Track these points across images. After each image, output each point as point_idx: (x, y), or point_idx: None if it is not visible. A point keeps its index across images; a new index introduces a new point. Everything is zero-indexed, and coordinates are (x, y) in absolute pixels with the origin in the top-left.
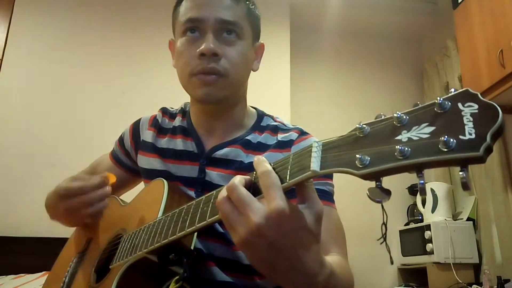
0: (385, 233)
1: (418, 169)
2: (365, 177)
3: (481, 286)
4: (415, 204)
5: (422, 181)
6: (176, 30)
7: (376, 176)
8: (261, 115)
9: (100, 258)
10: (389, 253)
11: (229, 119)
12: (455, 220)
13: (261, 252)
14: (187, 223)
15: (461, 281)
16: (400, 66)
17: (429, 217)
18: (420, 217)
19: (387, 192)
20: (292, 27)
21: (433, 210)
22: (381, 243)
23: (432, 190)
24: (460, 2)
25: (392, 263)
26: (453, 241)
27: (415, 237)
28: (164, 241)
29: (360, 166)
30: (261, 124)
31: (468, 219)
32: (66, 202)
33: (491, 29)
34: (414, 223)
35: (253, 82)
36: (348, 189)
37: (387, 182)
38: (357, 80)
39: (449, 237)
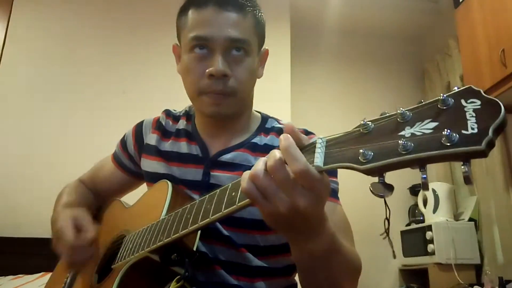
0: (388, 228)
1: (421, 164)
2: (368, 172)
3: (482, 287)
4: (416, 205)
5: (425, 176)
6: (182, 42)
7: (379, 171)
8: (265, 118)
9: (103, 258)
10: (392, 247)
11: (235, 126)
12: (456, 221)
13: (289, 222)
14: (190, 221)
15: (462, 282)
16: (401, 65)
17: (430, 218)
18: (421, 218)
19: (390, 188)
20: (292, 27)
21: (434, 211)
22: (384, 238)
23: (434, 191)
24: (462, 1)
25: (394, 257)
26: (455, 242)
27: (416, 238)
28: (167, 239)
29: (363, 161)
30: (266, 126)
31: (470, 219)
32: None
33: (492, 28)
34: (416, 224)
35: None
36: (350, 186)
37: (388, 182)
38: (358, 80)
39: (451, 237)
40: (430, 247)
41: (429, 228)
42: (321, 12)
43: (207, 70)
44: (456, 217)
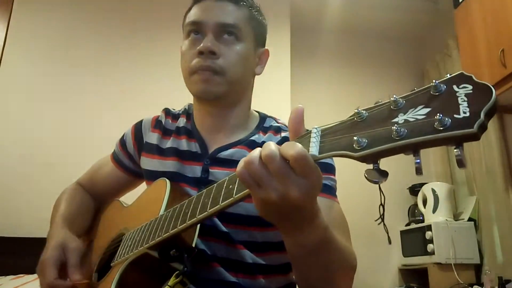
0: (383, 214)
1: (414, 149)
2: (362, 159)
3: (482, 287)
4: (416, 205)
5: (418, 160)
6: (183, 35)
7: (373, 158)
8: (263, 117)
9: (102, 257)
10: (387, 233)
11: (232, 119)
12: (456, 221)
13: (280, 211)
14: (188, 215)
15: (462, 282)
16: (401, 66)
17: (430, 218)
18: (421, 218)
19: (384, 174)
20: (292, 27)
21: (434, 211)
22: (379, 224)
23: (433, 190)
24: (461, 1)
25: (390, 242)
26: (454, 242)
27: (416, 238)
28: (166, 235)
29: (358, 148)
30: (264, 125)
31: (469, 219)
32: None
33: (492, 28)
34: (415, 224)
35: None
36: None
37: (388, 182)
38: (358, 80)
39: (450, 237)
40: (429, 247)
41: (429, 228)
42: (321, 13)
43: (197, 48)
44: (456, 217)
